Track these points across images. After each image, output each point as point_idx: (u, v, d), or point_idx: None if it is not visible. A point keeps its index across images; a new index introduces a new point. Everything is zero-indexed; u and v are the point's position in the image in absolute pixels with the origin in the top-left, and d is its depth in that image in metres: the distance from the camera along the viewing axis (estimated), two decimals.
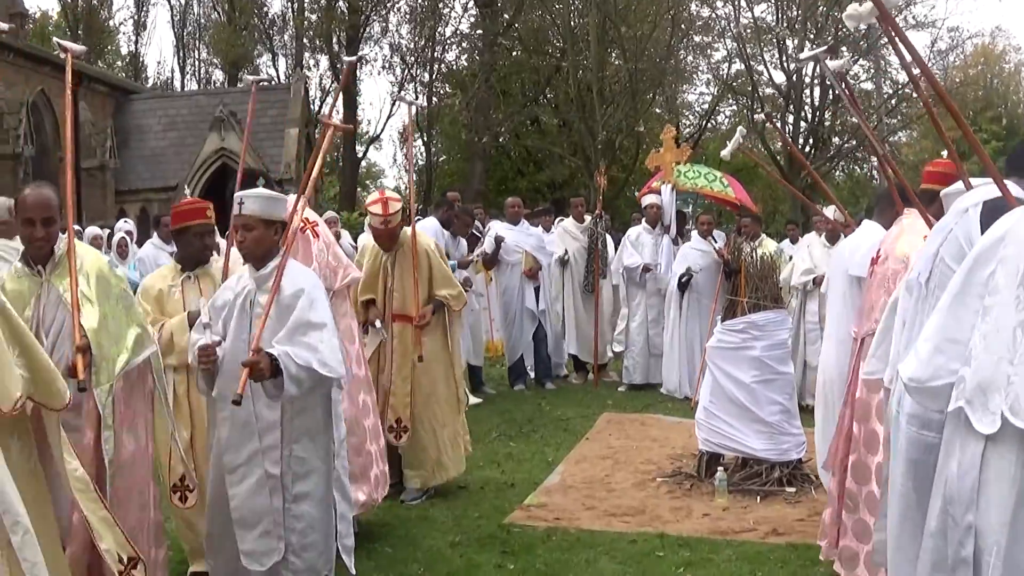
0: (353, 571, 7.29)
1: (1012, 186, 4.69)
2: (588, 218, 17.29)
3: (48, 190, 6.17)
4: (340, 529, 7.14)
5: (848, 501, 7.27)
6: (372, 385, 9.24)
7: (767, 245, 15.07)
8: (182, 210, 7.63)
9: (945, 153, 8.17)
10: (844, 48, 43.09)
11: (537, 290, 16.49)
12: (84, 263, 6.23)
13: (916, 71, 5.74)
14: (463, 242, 15.60)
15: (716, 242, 15.38)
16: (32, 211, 6.07)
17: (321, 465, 6.61)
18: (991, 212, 4.48)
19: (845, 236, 10.38)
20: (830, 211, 15.30)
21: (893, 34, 5.47)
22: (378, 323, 9.93)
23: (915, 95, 42.27)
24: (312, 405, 6.56)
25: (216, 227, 7.83)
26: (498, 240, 16.01)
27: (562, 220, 18.27)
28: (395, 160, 56.58)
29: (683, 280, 15.55)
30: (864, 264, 7.96)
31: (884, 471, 5.48)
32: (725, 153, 10.70)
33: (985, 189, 4.85)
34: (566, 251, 17.17)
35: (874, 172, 49.90)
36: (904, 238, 7.07)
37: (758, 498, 10.06)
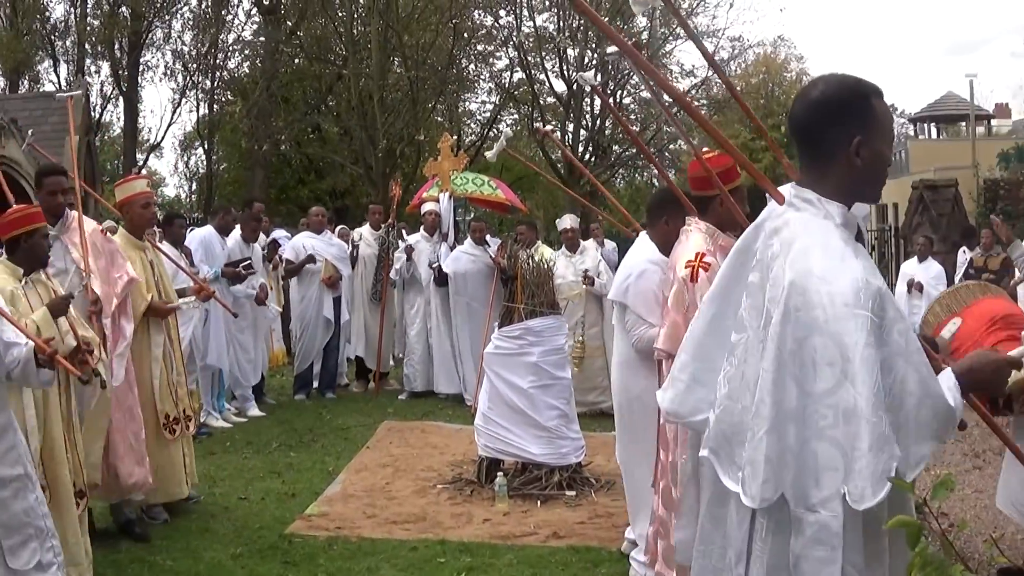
0: None
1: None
2: (383, 227, 17.38)
3: None
4: None
5: (660, 527, 7.35)
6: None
7: (543, 252, 15.28)
8: (17, 217, 7.52)
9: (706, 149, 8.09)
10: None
11: (337, 300, 16.51)
12: None
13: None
14: (257, 248, 15.48)
15: (489, 247, 15.56)
16: None
17: None
18: None
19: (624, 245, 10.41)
20: (566, 220, 15.67)
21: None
22: (190, 300, 9.94)
23: (696, 103, 43.20)
24: None
25: None
26: (310, 258, 16.06)
27: (342, 227, 18.29)
28: (176, 168, 55.72)
29: (438, 275, 16.00)
30: (618, 287, 8.11)
31: (683, 472, 5.51)
32: (490, 155, 10.81)
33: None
34: (356, 242, 17.23)
35: (654, 180, 50.66)
36: (676, 251, 6.82)
37: (538, 502, 10.20)
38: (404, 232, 18.63)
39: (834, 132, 3.74)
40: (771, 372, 3.51)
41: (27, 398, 7.02)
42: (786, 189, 3.96)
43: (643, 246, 8.24)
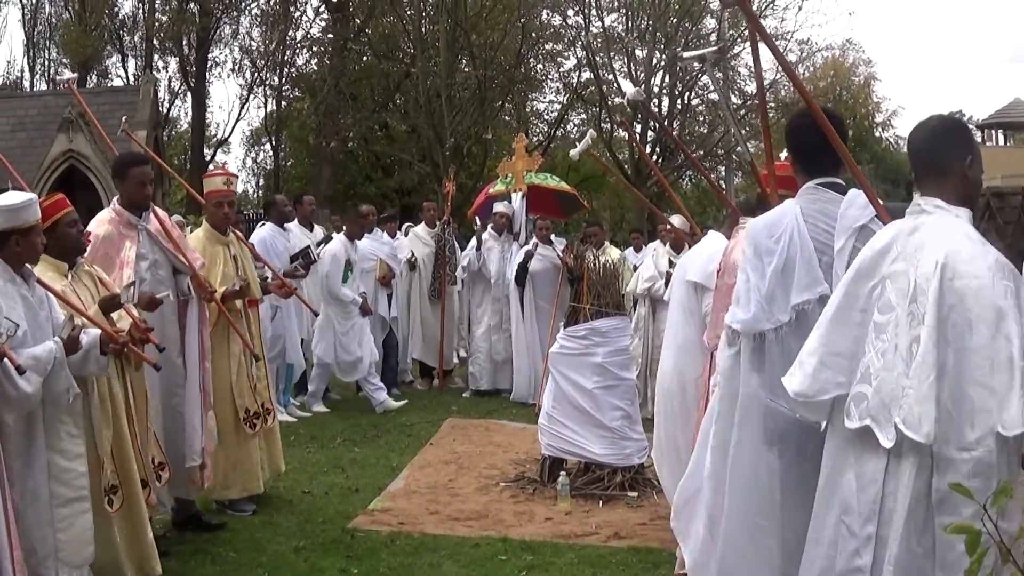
0: None
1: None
2: (438, 224, 17.38)
3: None
4: None
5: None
6: None
7: (611, 252, 15.24)
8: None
9: (784, 155, 8.10)
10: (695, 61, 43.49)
11: (390, 297, 16.51)
12: None
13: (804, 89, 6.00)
14: (320, 232, 15.68)
15: (555, 247, 15.55)
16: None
17: None
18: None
19: (691, 246, 10.33)
20: (676, 220, 15.52)
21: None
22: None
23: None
24: None
25: None
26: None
27: (411, 226, 18.29)
28: (243, 163, 55.96)
29: (522, 267, 15.78)
30: (703, 270, 7.99)
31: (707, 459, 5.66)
32: (574, 153, 10.78)
33: (860, 204, 5.11)
34: (412, 253, 17.24)
35: (722, 182, 50.47)
36: (737, 249, 6.81)
37: (600, 502, 10.18)
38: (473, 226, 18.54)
39: (953, 153, 4.53)
40: (932, 332, 4.06)
41: (94, 397, 6.94)
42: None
43: (715, 238, 8.30)
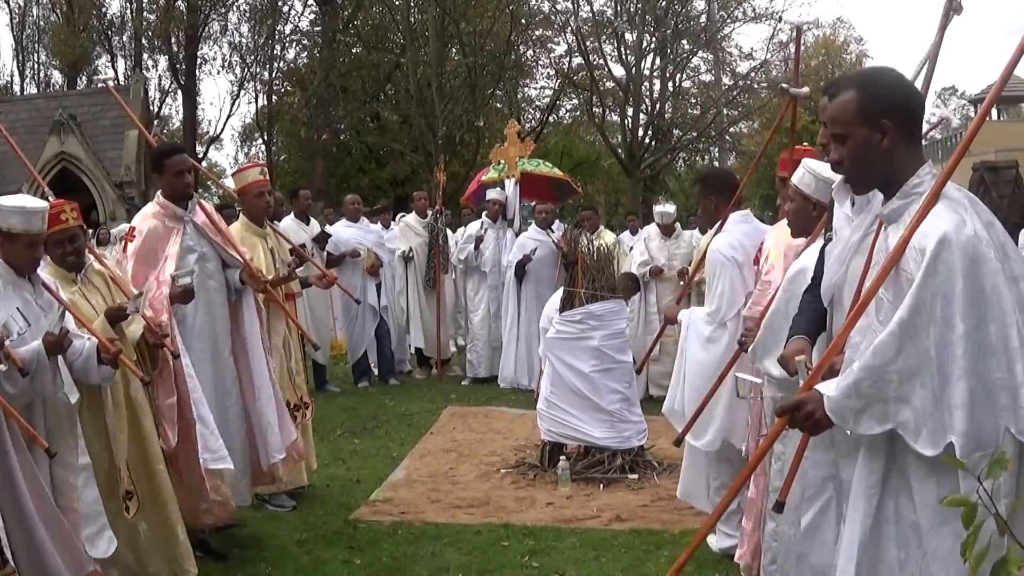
0: None
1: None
2: (430, 213, 17.37)
3: None
4: None
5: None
6: None
7: (605, 236, 15.21)
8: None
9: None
10: (684, 41, 43.54)
11: (379, 287, 16.46)
12: None
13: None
14: (315, 224, 15.73)
15: (554, 232, 15.53)
16: None
17: None
18: None
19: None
20: (663, 208, 15.50)
21: None
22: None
23: (756, 86, 42.86)
24: None
25: None
26: (354, 253, 15.90)
27: (403, 216, 18.29)
28: (236, 160, 55.83)
29: (520, 265, 15.68)
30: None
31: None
32: (793, 90, 10.79)
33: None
34: (410, 249, 17.25)
35: (716, 163, 50.52)
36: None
37: (601, 486, 10.19)
38: (465, 215, 18.48)
39: None
40: None
41: (108, 404, 6.84)
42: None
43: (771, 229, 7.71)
